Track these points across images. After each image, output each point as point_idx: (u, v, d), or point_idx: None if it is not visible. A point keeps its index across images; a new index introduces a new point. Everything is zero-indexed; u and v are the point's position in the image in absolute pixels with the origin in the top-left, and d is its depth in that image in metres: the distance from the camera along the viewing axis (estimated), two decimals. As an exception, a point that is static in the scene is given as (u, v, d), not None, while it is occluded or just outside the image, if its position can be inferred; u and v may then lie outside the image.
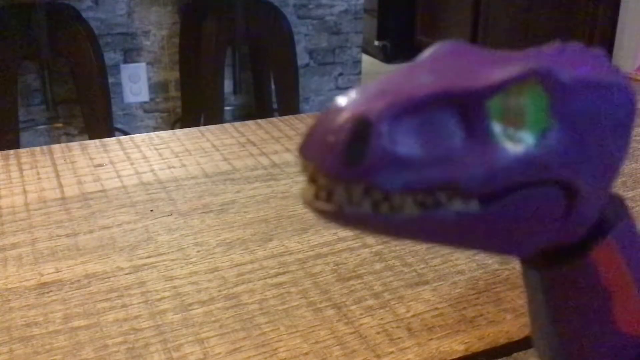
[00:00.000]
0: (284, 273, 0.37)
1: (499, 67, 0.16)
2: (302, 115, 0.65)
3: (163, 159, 0.54)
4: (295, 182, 0.50)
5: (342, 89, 2.42)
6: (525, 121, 0.16)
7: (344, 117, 0.15)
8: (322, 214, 0.16)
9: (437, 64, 0.17)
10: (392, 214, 0.15)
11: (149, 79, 2.13)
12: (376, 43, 3.71)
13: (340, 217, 0.16)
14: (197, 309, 0.34)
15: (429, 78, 0.16)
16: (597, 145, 0.18)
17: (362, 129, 0.14)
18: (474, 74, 0.16)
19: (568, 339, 0.22)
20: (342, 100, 0.15)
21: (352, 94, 0.15)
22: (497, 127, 0.16)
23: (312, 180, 0.16)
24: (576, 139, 0.17)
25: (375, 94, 0.15)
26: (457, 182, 0.15)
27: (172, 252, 0.40)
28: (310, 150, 0.15)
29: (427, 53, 0.18)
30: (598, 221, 0.20)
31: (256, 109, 2.25)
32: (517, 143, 0.16)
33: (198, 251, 0.40)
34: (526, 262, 0.22)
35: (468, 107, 0.16)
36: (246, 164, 0.53)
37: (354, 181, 0.15)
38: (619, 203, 0.21)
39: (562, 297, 0.21)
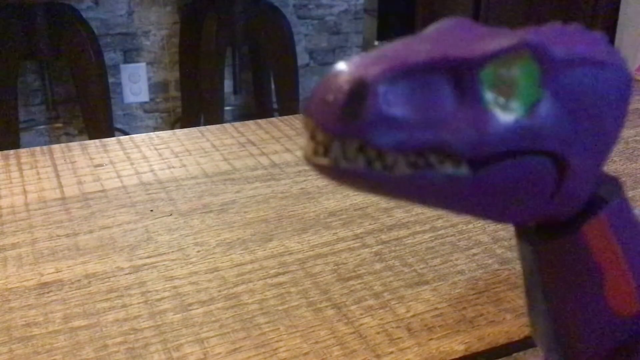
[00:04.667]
0: (284, 273, 0.37)
1: (494, 39, 0.17)
2: (302, 115, 0.65)
3: (163, 159, 0.54)
4: (295, 182, 0.49)
5: (342, 89, 2.41)
6: (516, 91, 0.17)
7: (343, 78, 0.16)
8: (320, 168, 0.17)
9: (438, 36, 0.18)
10: (385, 172, 0.16)
11: (149, 79, 2.13)
12: (376, 43, 3.71)
13: (335, 172, 0.16)
14: (197, 309, 0.34)
15: (427, 47, 0.17)
16: (590, 122, 0.19)
17: (359, 89, 0.15)
18: (469, 45, 0.17)
19: (559, 316, 0.23)
20: (343, 64, 0.16)
21: (353, 59, 0.17)
22: (489, 96, 0.17)
23: (312, 137, 0.17)
24: (568, 113, 0.18)
25: (374, 58, 0.16)
26: (447, 144, 0.16)
27: (172, 252, 0.40)
28: (312, 108, 0.16)
29: (431, 27, 0.19)
30: (591, 198, 0.21)
31: (256, 109, 2.25)
32: (507, 112, 0.17)
33: (198, 251, 0.40)
34: (520, 236, 0.23)
35: (461, 75, 0.17)
36: (246, 164, 0.53)
37: (349, 137, 0.16)
38: (614, 183, 0.22)
39: (554, 272, 0.22)
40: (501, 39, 0.17)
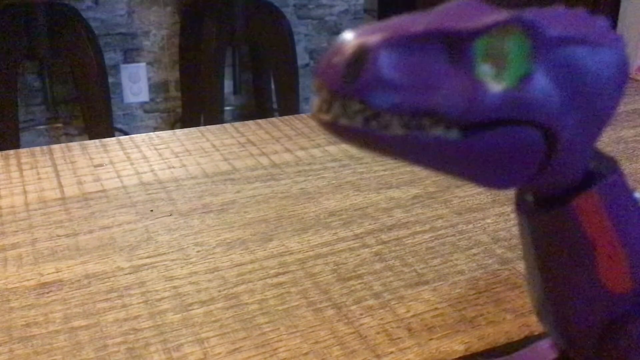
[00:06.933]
0: (284, 273, 0.37)
1: (491, 15, 0.18)
2: (302, 115, 0.65)
3: (163, 159, 0.54)
4: (295, 182, 0.50)
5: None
6: (506, 64, 0.18)
7: (347, 44, 0.18)
8: (322, 123, 0.18)
9: (442, 12, 0.19)
10: (380, 131, 0.18)
11: (149, 79, 2.13)
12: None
13: (335, 127, 0.18)
14: (197, 309, 0.34)
15: (427, 20, 0.18)
16: (582, 99, 0.20)
17: (360, 53, 0.17)
18: (467, 19, 0.18)
19: (553, 287, 0.24)
20: (350, 33, 0.18)
21: (359, 28, 0.18)
22: (481, 66, 0.18)
23: (319, 94, 0.18)
24: (559, 89, 0.19)
25: (377, 28, 0.18)
26: (438, 108, 0.18)
27: (172, 252, 0.40)
28: (320, 69, 0.18)
29: (440, 6, 0.20)
30: (586, 174, 0.22)
31: (256, 109, 2.25)
32: (497, 82, 0.18)
33: (198, 251, 0.40)
34: (518, 206, 0.24)
35: (456, 45, 0.18)
36: (246, 164, 0.53)
37: (349, 96, 0.17)
38: (611, 162, 0.23)
39: (546, 243, 0.23)
40: (497, 15, 0.18)
